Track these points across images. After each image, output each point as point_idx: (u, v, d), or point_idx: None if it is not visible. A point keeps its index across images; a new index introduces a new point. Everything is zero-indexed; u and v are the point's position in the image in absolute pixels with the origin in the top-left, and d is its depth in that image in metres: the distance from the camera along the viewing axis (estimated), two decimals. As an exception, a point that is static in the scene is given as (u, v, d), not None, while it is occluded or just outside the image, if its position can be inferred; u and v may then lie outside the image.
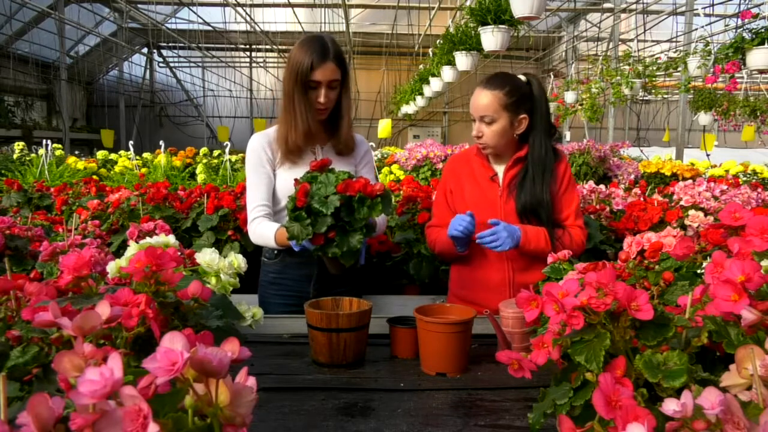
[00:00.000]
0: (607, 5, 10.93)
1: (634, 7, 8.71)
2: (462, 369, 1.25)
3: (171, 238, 1.36)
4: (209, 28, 11.57)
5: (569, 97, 8.54)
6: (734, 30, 5.28)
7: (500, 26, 4.15)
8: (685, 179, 4.46)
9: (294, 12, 11.34)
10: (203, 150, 6.19)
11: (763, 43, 4.51)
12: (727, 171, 5.51)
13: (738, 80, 6.97)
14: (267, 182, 1.81)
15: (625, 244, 1.22)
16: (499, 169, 1.85)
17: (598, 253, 2.18)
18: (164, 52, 15.69)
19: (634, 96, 7.39)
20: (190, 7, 11.06)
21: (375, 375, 1.24)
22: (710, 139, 9.87)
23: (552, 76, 10.97)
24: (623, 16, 10.42)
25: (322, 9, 11.74)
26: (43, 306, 0.75)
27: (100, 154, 6.19)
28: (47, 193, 3.15)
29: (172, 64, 15.86)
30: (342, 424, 1.01)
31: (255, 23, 10.77)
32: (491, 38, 4.22)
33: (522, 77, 1.80)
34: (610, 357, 0.72)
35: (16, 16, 10.44)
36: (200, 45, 12.25)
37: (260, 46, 15.25)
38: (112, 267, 1.12)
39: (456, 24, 6.47)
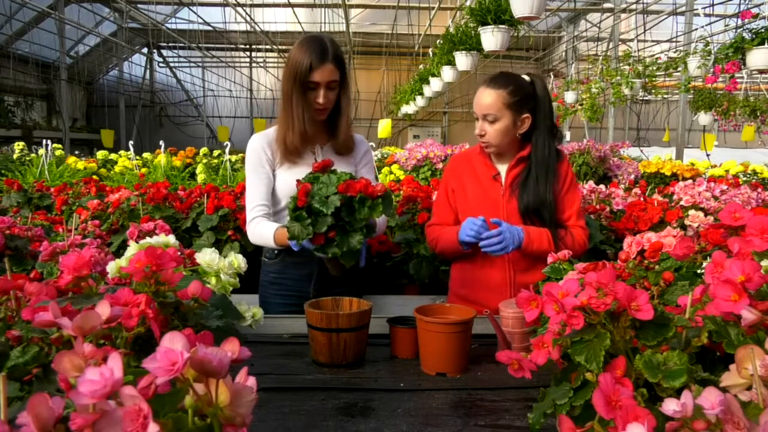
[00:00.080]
0: (607, 5, 10.93)
1: (634, 7, 8.71)
2: (462, 369, 1.25)
3: (171, 238, 1.36)
4: (209, 28, 11.57)
5: (569, 97, 8.54)
6: (734, 30, 5.28)
7: (500, 26, 4.15)
8: (685, 179, 4.46)
9: (294, 12, 11.34)
10: (203, 150, 6.19)
11: (763, 43, 4.51)
12: (727, 171, 5.51)
13: (738, 80, 6.97)
14: (266, 182, 1.81)
15: (625, 244, 1.22)
16: (502, 169, 1.85)
17: (598, 253, 2.18)
18: (164, 52, 15.69)
19: (634, 96, 7.39)
20: (190, 7, 11.05)
21: (375, 375, 1.24)
22: (710, 139, 9.87)
23: (552, 76, 10.98)
24: (623, 16, 10.42)
25: (322, 9, 11.74)
26: (43, 306, 0.75)
27: (100, 154, 6.19)
28: (47, 193, 3.15)
29: (172, 64, 15.86)
30: (342, 424, 1.01)
31: (255, 23, 10.77)
32: (491, 38, 4.23)
33: (526, 77, 1.81)
34: (610, 357, 0.72)
35: (16, 16, 10.44)
36: (200, 45, 12.25)
37: (260, 46, 15.25)
38: (112, 267, 1.12)
39: (456, 24, 6.47)
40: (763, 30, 4.54)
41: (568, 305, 0.74)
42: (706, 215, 2.15)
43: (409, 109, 11.49)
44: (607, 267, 1.06)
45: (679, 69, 6.43)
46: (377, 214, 1.45)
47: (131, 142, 5.76)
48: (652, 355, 0.70)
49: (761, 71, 4.90)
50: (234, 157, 5.25)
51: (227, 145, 4.99)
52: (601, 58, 9.68)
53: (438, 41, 6.98)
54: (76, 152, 8.36)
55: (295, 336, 1.48)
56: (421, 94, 9.65)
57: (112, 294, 0.78)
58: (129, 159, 5.60)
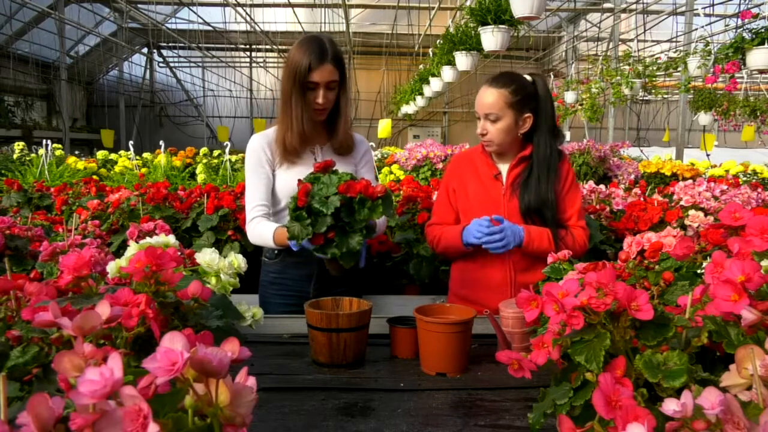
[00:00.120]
0: (607, 5, 10.93)
1: (634, 7, 8.71)
2: (462, 369, 1.25)
3: (171, 238, 1.36)
4: (209, 28, 11.57)
5: (569, 97, 8.54)
6: (734, 30, 5.28)
7: (500, 26, 4.15)
8: (685, 179, 4.46)
9: (294, 12, 11.35)
10: (203, 150, 6.19)
11: (763, 43, 4.51)
12: (727, 171, 5.51)
13: (738, 80, 6.97)
14: (266, 182, 1.82)
15: (625, 244, 1.22)
16: (503, 168, 1.86)
17: (598, 253, 2.18)
18: (164, 52, 15.69)
19: (634, 96, 7.40)
20: (190, 7, 11.05)
21: (375, 375, 1.24)
22: (710, 139, 9.87)
23: (552, 76, 10.98)
24: (623, 16, 10.42)
25: (322, 9, 11.74)
26: (43, 306, 0.75)
27: (100, 154, 6.19)
28: (47, 193, 3.15)
29: (172, 64, 15.86)
30: (342, 424, 1.01)
31: (255, 23, 10.78)
32: (491, 38, 4.23)
33: (528, 77, 1.81)
34: (610, 357, 0.72)
35: (16, 16, 10.44)
36: (200, 45, 12.25)
37: (260, 46, 15.25)
38: (112, 267, 1.12)
39: (456, 24, 6.47)
40: (763, 30, 4.54)
41: (568, 305, 0.74)
42: (706, 215, 2.15)
43: (409, 109, 11.50)
44: (607, 267, 1.06)
45: (679, 69, 6.43)
46: (377, 216, 1.45)
47: (131, 142, 5.77)
48: (652, 355, 0.70)
49: (761, 71, 4.90)
50: (234, 157, 5.25)
51: (227, 145, 4.99)
52: (601, 58, 9.68)
53: (438, 41, 6.98)
54: (76, 152, 8.36)
55: (295, 336, 1.48)
56: (421, 94, 9.65)
57: (112, 294, 0.78)
58: (129, 159, 5.60)
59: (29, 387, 0.74)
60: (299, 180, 1.51)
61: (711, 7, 7.81)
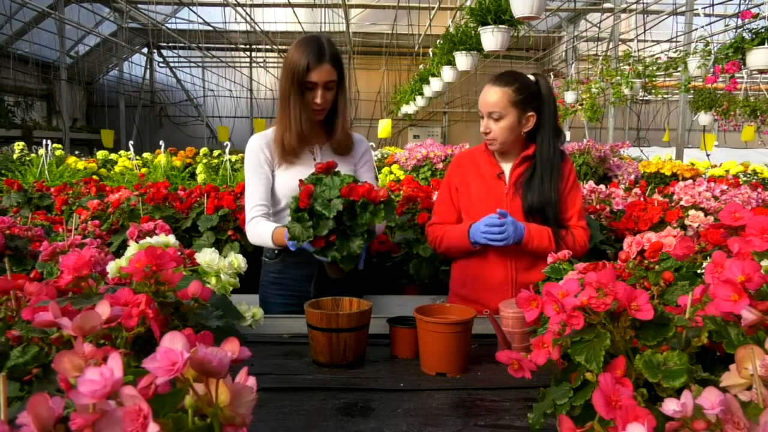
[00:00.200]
0: (607, 5, 10.93)
1: (634, 7, 8.71)
2: (462, 369, 1.25)
3: (171, 238, 1.36)
4: (209, 28, 11.57)
5: (569, 97, 8.54)
6: (734, 30, 5.28)
7: (500, 26, 4.15)
8: (685, 179, 4.46)
9: (294, 12, 11.34)
10: (203, 150, 6.19)
11: (763, 43, 4.51)
12: (727, 171, 5.51)
13: (738, 80, 6.97)
14: (265, 182, 1.82)
15: (625, 244, 1.22)
16: (506, 167, 1.86)
17: (598, 253, 2.18)
18: (164, 52, 15.69)
19: (634, 96, 7.39)
20: (190, 7, 11.05)
21: (375, 375, 1.24)
22: (710, 139, 9.87)
23: (552, 76, 10.98)
24: (623, 16, 10.41)
25: (322, 9, 11.74)
26: (43, 306, 0.75)
27: (100, 154, 6.19)
28: (47, 193, 3.15)
29: (172, 64, 15.86)
30: (342, 424, 1.01)
31: (255, 23, 10.77)
32: (491, 38, 4.23)
33: (531, 77, 1.82)
34: (610, 357, 0.72)
35: (16, 16, 10.44)
36: (200, 45, 12.25)
37: (260, 46, 15.24)
38: (112, 267, 1.12)
39: (456, 24, 6.47)
40: (763, 30, 4.54)
41: (568, 305, 0.74)
42: (706, 215, 2.15)
43: (409, 109, 11.49)
44: (607, 267, 1.06)
45: (679, 69, 6.43)
46: (379, 220, 1.44)
47: (131, 142, 5.77)
48: (652, 355, 0.70)
49: (761, 71, 4.90)
50: (234, 157, 5.25)
51: (227, 145, 4.99)
52: (601, 58, 9.68)
53: (438, 41, 6.98)
54: (76, 152, 8.36)
55: (295, 336, 1.48)
56: (421, 94, 9.65)
57: (112, 294, 0.78)
58: (129, 159, 5.61)
59: (29, 387, 0.74)
60: (301, 180, 1.51)
61: (711, 7, 7.81)
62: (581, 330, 0.74)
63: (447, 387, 1.18)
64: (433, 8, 9.42)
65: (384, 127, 9.25)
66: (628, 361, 0.71)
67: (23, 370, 0.75)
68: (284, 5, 10.47)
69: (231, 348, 0.60)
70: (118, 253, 2.05)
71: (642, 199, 2.72)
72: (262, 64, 15.41)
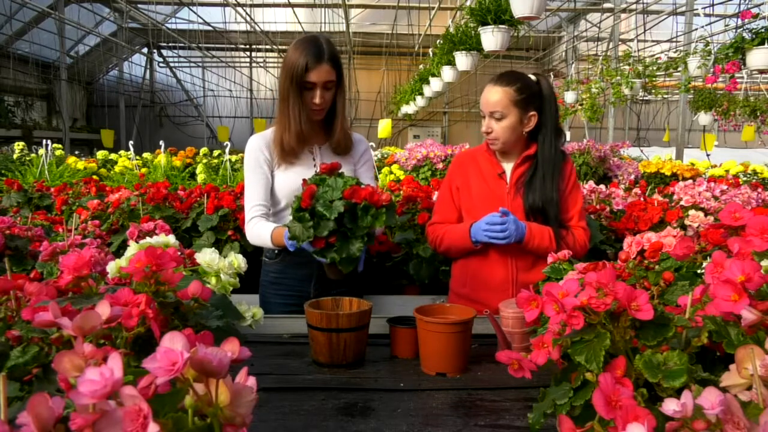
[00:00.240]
0: (607, 5, 10.93)
1: (634, 7, 8.71)
2: (462, 369, 1.25)
3: (171, 238, 1.36)
4: (209, 28, 11.56)
5: (569, 97, 8.54)
6: (734, 30, 5.28)
7: (500, 26, 4.15)
8: (685, 179, 4.46)
9: (294, 12, 11.34)
10: (203, 150, 6.19)
11: (763, 43, 4.51)
12: (727, 171, 5.51)
13: (738, 80, 6.96)
14: (264, 183, 1.82)
15: (625, 244, 1.22)
16: (507, 167, 1.86)
17: (598, 253, 2.18)
18: (164, 52, 15.69)
19: (634, 96, 7.39)
20: (190, 7, 11.05)
21: (375, 375, 1.24)
22: (710, 139, 9.87)
23: (552, 76, 10.97)
24: (623, 16, 10.41)
25: (322, 9, 11.74)
26: (43, 306, 0.75)
27: (100, 154, 6.19)
28: (47, 193, 3.14)
29: (172, 64, 15.86)
30: (342, 424, 1.01)
31: (255, 23, 10.77)
32: (491, 38, 4.23)
33: (532, 76, 1.82)
34: (610, 357, 0.72)
35: (16, 16, 10.44)
36: (200, 45, 12.25)
37: (260, 46, 15.24)
38: (112, 267, 1.12)
39: (456, 24, 6.47)
40: (763, 30, 4.54)
41: (568, 305, 0.74)
42: (706, 215, 2.15)
43: (409, 109, 11.49)
44: (607, 267, 1.06)
45: (679, 69, 6.43)
46: (380, 224, 1.44)
47: (131, 142, 5.76)
48: (652, 355, 0.70)
49: (761, 71, 4.90)
50: (234, 157, 5.25)
51: (227, 145, 4.99)
52: (601, 58, 9.68)
53: (438, 41, 6.98)
54: (76, 152, 8.36)
55: (295, 336, 1.48)
56: (421, 94, 9.65)
57: (112, 294, 0.78)
58: (129, 159, 5.60)
59: (29, 387, 0.74)
60: (304, 180, 1.51)
61: (711, 7, 7.81)
62: (581, 330, 0.74)
63: (447, 387, 1.18)
64: (433, 8, 9.42)
65: (384, 127, 9.25)
66: (628, 361, 0.71)
67: (23, 370, 0.75)
68: (284, 5, 10.46)
69: (231, 348, 0.60)
70: (118, 253, 2.05)
71: (642, 199, 2.71)
72: (262, 64, 15.41)
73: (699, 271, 1.09)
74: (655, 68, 6.95)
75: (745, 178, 5.25)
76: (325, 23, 11.78)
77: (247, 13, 9.94)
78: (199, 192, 2.84)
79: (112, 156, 6.10)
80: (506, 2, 3.79)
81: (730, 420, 0.57)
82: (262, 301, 1.90)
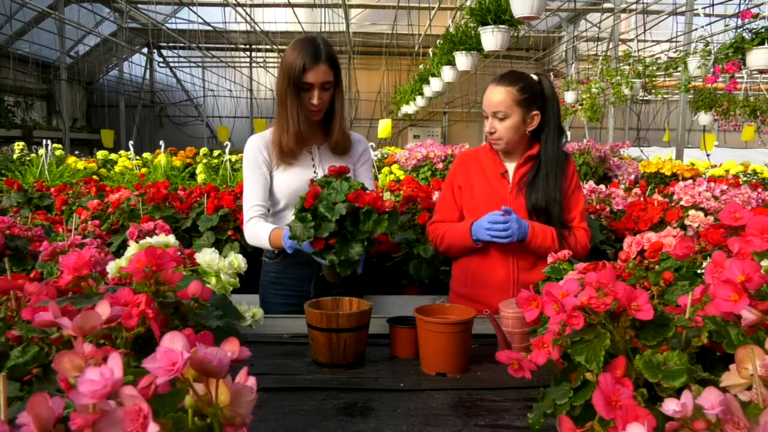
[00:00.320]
0: (607, 5, 10.93)
1: (634, 7, 8.71)
2: (462, 369, 1.25)
3: (171, 238, 1.36)
4: (209, 28, 11.57)
5: (569, 97, 8.54)
6: (734, 30, 5.28)
7: (500, 26, 4.15)
8: (685, 179, 4.46)
9: (294, 12, 11.35)
10: (203, 150, 6.19)
11: (763, 43, 4.51)
12: (727, 171, 5.52)
13: (738, 80, 6.96)
14: (263, 183, 1.82)
15: (625, 244, 1.22)
16: (510, 167, 1.86)
17: (598, 253, 2.18)
18: (164, 52, 15.69)
19: (634, 96, 7.39)
20: (190, 7, 11.05)
21: (375, 375, 1.24)
22: (710, 139, 9.87)
23: (552, 76, 10.97)
24: (623, 16, 10.41)
25: (322, 9, 11.75)
26: (43, 306, 0.75)
27: (100, 154, 6.19)
28: (47, 193, 3.14)
29: (172, 64, 15.86)
30: (342, 424, 1.01)
31: (255, 23, 10.77)
32: (491, 38, 4.23)
33: (534, 76, 1.82)
34: (610, 357, 0.72)
35: (16, 16, 10.44)
36: (200, 45, 12.25)
37: (260, 46, 15.24)
38: (112, 267, 1.12)
39: (456, 24, 6.47)
40: (763, 30, 4.54)
41: (568, 305, 0.74)
42: (706, 215, 2.15)
43: (409, 109, 11.49)
44: (607, 267, 1.06)
45: (679, 69, 6.43)
46: (381, 229, 1.44)
47: (131, 142, 5.77)
48: (652, 355, 0.70)
49: (761, 71, 4.90)
50: (234, 157, 5.25)
51: (227, 145, 5.00)
52: (601, 58, 9.68)
53: (438, 41, 6.98)
54: (76, 152, 8.36)
55: (295, 336, 1.48)
56: (421, 94, 9.65)
57: (112, 294, 0.78)
58: (129, 159, 5.61)
59: (29, 387, 0.74)
60: (311, 180, 1.51)
61: (711, 7, 7.81)
62: (581, 330, 0.74)
63: (447, 387, 1.18)
64: (433, 8, 9.42)
65: (384, 127, 9.25)
66: (628, 361, 0.71)
67: (23, 370, 0.75)
68: (284, 5, 10.47)
69: (231, 348, 0.60)
70: (118, 253, 2.05)
71: (642, 199, 2.72)
72: (262, 64, 15.41)
73: (699, 271, 1.10)
74: (655, 68, 6.95)
75: (745, 178, 5.25)
76: (325, 23, 11.78)
77: (247, 13, 9.94)
78: (199, 192, 2.84)
79: (112, 156, 6.11)
80: (506, 2, 3.79)
81: (730, 420, 0.57)
82: (262, 301, 1.91)
